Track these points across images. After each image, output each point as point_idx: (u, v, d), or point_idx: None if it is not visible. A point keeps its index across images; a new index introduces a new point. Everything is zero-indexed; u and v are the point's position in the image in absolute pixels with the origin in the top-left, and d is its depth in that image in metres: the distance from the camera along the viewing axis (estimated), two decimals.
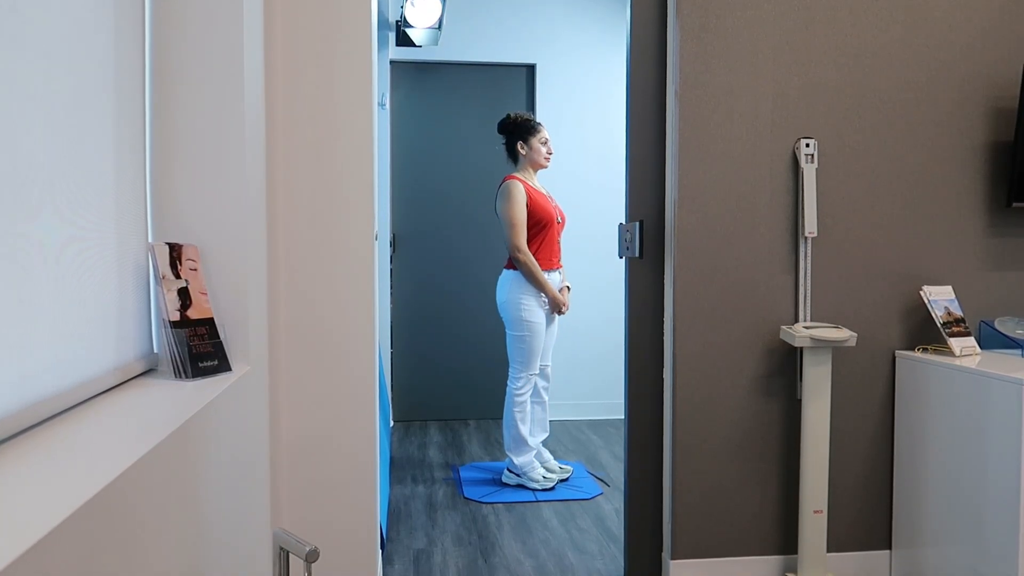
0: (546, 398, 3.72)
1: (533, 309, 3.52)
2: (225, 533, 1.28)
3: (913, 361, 2.32)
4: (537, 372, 3.63)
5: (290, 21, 1.92)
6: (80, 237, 1.13)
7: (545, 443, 3.74)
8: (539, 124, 3.64)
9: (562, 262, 3.64)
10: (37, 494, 0.72)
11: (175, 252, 1.41)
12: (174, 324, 1.35)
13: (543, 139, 3.60)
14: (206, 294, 1.47)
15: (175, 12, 1.51)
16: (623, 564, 2.57)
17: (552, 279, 3.55)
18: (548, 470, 3.66)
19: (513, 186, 3.53)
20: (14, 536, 0.60)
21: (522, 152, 3.61)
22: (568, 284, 3.64)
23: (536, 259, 3.49)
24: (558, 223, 3.58)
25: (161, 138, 1.50)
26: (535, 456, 3.65)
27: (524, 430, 3.65)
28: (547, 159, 3.61)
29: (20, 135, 0.96)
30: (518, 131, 3.62)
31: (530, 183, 3.58)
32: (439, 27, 4.50)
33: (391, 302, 4.93)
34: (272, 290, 1.91)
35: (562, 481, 3.65)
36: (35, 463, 0.83)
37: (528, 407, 3.64)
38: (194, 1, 1.51)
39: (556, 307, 3.53)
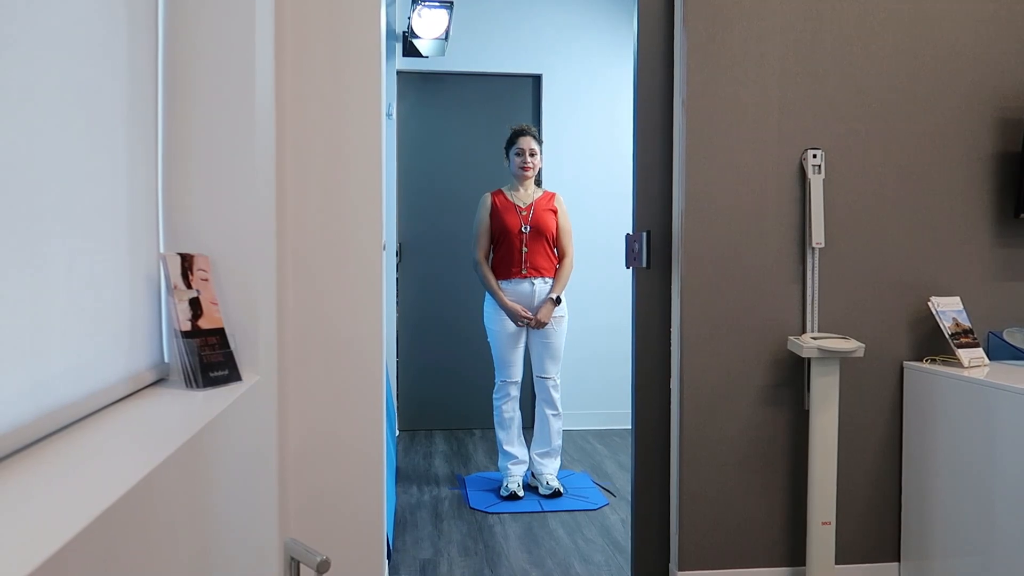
0: (548, 412, 3.69)
1: (491, 316, 3.67)
2: (236, 543, 1.29)
3: (921, 372, 2.31)
4: (512, 380, 3.66)
5: (300, 32, 1.93)
6: (94, 247, 1.14)
7: (550, 456, 3.72)
8: (519, 134, 3.66)
9: (543, 272, 3.63)
10: (53, 505, 0.72)
11: (187, 262, 1.42)
12: (185, 334, 1.36)
13: (518, 150, 3.65)
14: (217, 304, 1.48)
15: (187, 24, 1.52)
16: (630, 575, 2.56)
17: (518, 289, 3.59)
18: (543, 484, 3.65)
19: (481, 199, 3.74)
20: (31, 547, 0.60)
21: (506, 165, 3.73)
22: (556, 296, 3.61)
23: (495, 267, 3.64)
24: (522, 233, 3.59)
25: (173, 149, 1.51)
26: (514, 464, 3.66)
27: (501, 435, 3.69)
28: (522, 169, 3.63)
29: (36, 147, 0.97)
30: (506, 146, 3.72)
31: (507, 194, 3.67)
32: (445, 38, 4.52)
33: (397, 311, 4.93)
34: (281, 299, 1.92)
35: (550, 496, 3.61)
36: (51, 474, 0.84)
37: (507, 414, 3.68)
38: (206, 13, 1.53)
39: (511, 317, 3.57)
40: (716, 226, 2.31)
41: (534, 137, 3.67)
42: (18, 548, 0.60)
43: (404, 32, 4.66)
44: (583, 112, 5.07)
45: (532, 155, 3.64)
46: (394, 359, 4.89)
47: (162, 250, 1.49)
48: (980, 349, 2.28)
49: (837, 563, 2.39)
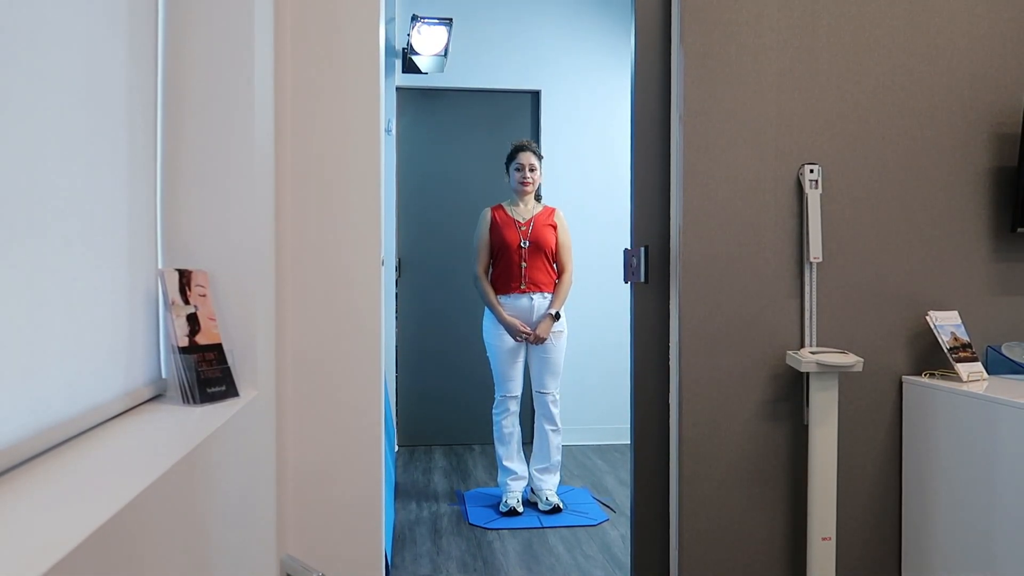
0: (548, 427, 3.68)
1: (490, 331, 3.68)
2: (233, 559, 1.28)
3: (920, 386, 2.31)
4: (511, 395, 3.66)
5: (299, 48, 1.94)
6: (92, 263, 1.15)
7: (550, 471, 3.71)
8: (520, 150, 3.68)
9: (543, 287, 3.63)
10: (48, 522, 0.72)
11: (185, 278, 1.42)
12: (183, 350, 1.36)
13: (518, 165, 3.66)
14: (215, 320, 1.48)
15: (187, 41, 1.53)
16: None
17: (517, 304, 3.60)
18: (542, 500, 3.64)
19: (481, 214, 3.75)
20: (25, 565, 0.60)
21: (506, 181, 3.75)
22: (555, 312, 3.60)
23: (495, 282, 3.62)
24: (521, 248, 3.59)
25: (172, 165, 1.52)
26: (513, 480, 3.65)
27: (501, 451, 3.68)
28: (522, 184, 3.65)
29: (37, 163, 0.97)
30: (506, 161, 3.74)
31: (507, 209, 3.68)
32: (445, 54, 4.55)
33: (396, 326, 4.93)
34: (280, 315, 1.92)
35: (550, 512, 3.60)
36: (46, 491, 0.84)
37: (507, 429, 3.68)
38: (205, 31, 1.54)
39: (511, 332, 3.57)
40: (714, 241, 2.32)
41: (534, 152, 3.68)
42: (12, 566, 0.60)
43: (403, 49, 4.69)
44: (582, 127, 5.09)
45: (532, 170, 3.65)
46: (393, 374, 4.88)
47: (160, 266, 1.49)
48: (979, 363, 2.28)
49: None
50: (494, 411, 3.74)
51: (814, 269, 2.34)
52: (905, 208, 2.40)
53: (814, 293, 2.34)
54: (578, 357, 4.88)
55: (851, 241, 2.37)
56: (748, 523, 2.35)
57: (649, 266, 2.39)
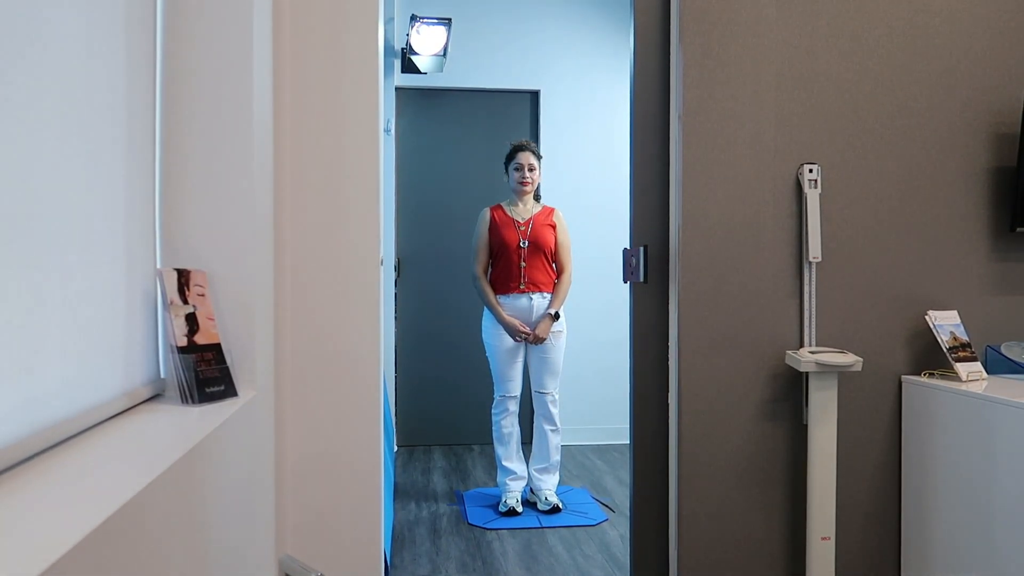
0: (547, 427, 3.67)
1: (489, 331, 3.67)
2: (231, 560, 1.28)
3: (919, 386, 2.31)
4: (510, 395, 3.66)
5: (298, 48, 1.94)
6: (90, 262, 1.14)
7: (549, 471, 3.71)
8: (519, 150, 3.68)
9: (542, 287, 3.63)
10: (45, 523, 0.72)
11: (183, 278, 1.42)
12: (181, 350, 1.35)
13: (517, 165, 3.66)
14: (213, 319, 1.48)
15: (185, 39, 1.53)
16: None
17: (517, 304, 3.60)
18: (541, 500, 3.64)
19: (480, 214, 3.75)
20: (22, 565, 0.60)
21: (505, 180, 3.75)
22: (555, 312, 3.60)
23: (494, 282, 3.61)
24: (520, 248, 3.59)
25: (170, 164, 1.52)
26: (513, 480, 3.65)
27: (500, 451, 3.68)
28: (521, 184, 3.65)
29: (34, 162, 0.97)
30: (506, 161, 3.74)
31: (506, 209, 3.68)
32: (444, 54, 4.55)
33: (396, 326, 4.93)
34: (279, 314, 1.92)
35: (549, 512, 3.60)
36: (43, 491, 0.83)
37: (506, 429, 3.67)
38: (204, 29, 1.53)
39: (510, 332, 3.57)
40: (713, 240, 2.32)
41: (533, 152, 3.68)
42: (10, 565, 0.60)
43: (403, 48, 4.69)
44: (581, 127, 5.09)
45: (531, 170, 3.65)
46: (392, 374, 4.88)
47: (159, 265, 1.49)
48: (978, 363, 2.28)
49: None
50: (493, 411, 3.74)
51: (813, 269, 2.34)
52: (904, 208, 2.40)
53: (813, 293, 2.34)
54: (577, 357, 4.88)
55: (851, 241, 2.37)
56: (748, 523, 2.35)
57: (648, 266, 2.39)
